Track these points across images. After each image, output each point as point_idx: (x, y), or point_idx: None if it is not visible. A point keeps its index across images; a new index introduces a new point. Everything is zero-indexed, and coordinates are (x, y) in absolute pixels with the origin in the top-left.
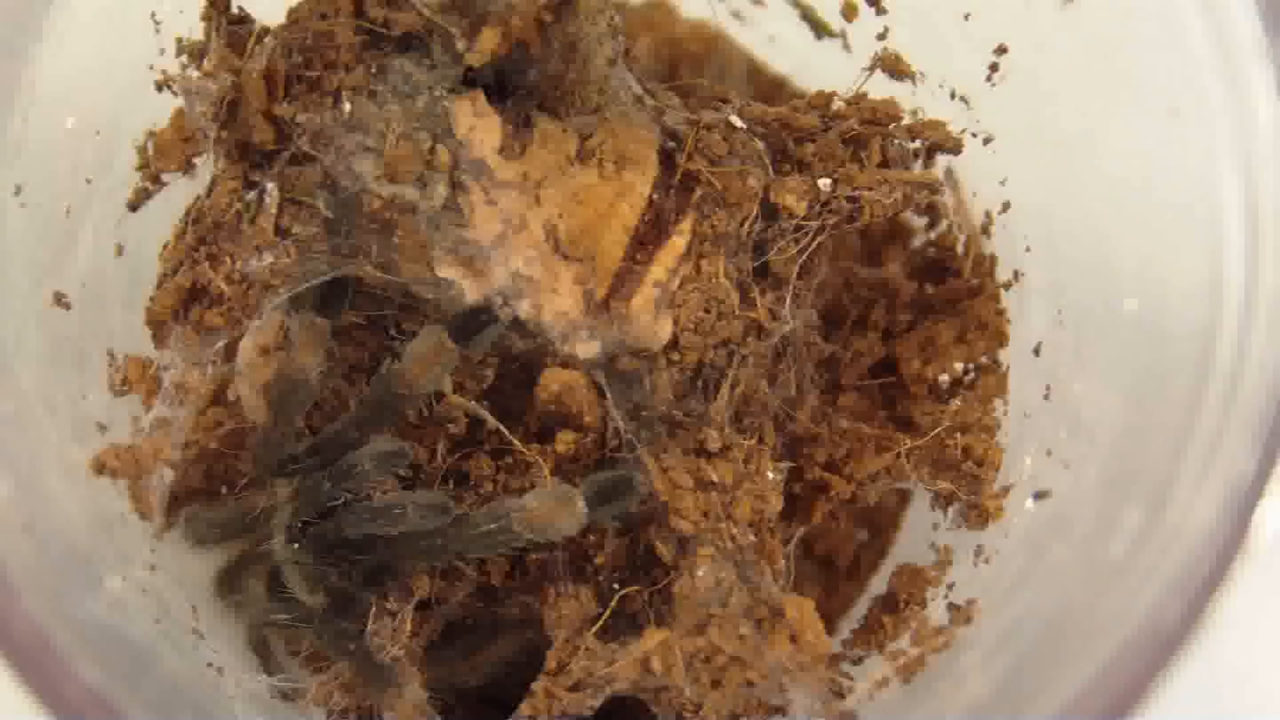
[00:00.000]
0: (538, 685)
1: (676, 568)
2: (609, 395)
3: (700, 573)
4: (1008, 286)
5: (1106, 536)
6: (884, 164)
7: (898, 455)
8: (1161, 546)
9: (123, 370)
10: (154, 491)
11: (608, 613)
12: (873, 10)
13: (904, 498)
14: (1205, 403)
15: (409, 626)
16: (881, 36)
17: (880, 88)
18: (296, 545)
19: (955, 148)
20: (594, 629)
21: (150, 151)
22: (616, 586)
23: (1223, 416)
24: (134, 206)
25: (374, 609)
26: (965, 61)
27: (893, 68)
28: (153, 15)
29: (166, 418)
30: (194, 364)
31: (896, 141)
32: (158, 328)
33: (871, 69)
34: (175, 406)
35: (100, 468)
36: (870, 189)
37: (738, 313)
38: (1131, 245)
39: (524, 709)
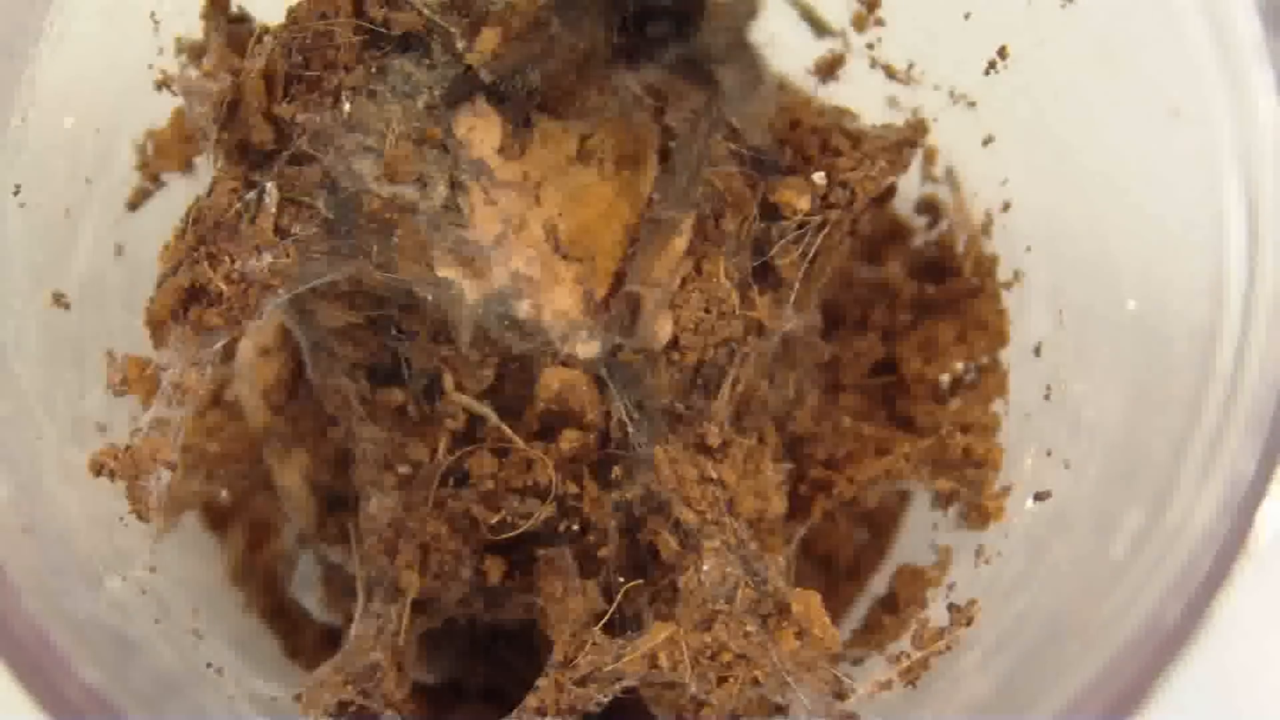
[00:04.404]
0: (546, 677)
1: (681, 564)
2: (612, 385)
3: (706, 567)
4: (1008, 286)
5: (1107, 536)
6: (856, 144)
7: (898, 456)
8: (1162, 547)
9: (122, 370)
10: (152, 492)
11: (613, 607)
12: (872, 11)
13: (904, 498)
14: (1206, 403)
15: (406, 624)
16: (881, 36)
17: (880, 87)
18: None
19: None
20: (600, 624)
21: (150, 151)
22: (621, 580)
23: (1223, 417)
24: (134, 206)
25: None
26: (965, 61)
27: (893, 68)
28: (153, 15)
29: (165, 418)
30: (193, 364)
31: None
32: (157, 328)
33: (871, 69)
34: (174, 407)
35: (99, 468)
36: (854, 169)
37: (738, 312)
38: (1132, 245)
39: (531, 700)
